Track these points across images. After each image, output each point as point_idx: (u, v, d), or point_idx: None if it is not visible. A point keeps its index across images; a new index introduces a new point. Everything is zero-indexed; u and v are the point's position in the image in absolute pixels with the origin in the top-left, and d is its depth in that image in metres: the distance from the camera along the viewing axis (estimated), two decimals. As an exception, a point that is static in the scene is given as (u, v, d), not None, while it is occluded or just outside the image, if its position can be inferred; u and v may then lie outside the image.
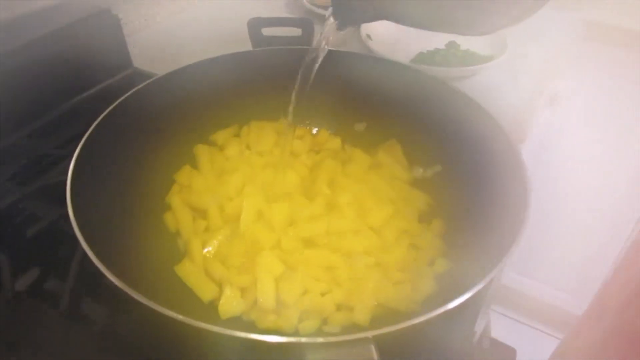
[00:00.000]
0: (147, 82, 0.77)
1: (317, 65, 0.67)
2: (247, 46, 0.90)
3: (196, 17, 1.41)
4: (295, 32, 0.91)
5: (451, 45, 1.17)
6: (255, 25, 0.89)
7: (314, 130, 0.89)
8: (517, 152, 0.64)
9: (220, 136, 0.82)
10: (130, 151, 0.72)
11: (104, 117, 0.68)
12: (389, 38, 1.24)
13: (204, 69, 0.81)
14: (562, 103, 1.50)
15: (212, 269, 0.64)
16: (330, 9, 0.62)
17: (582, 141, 1.57)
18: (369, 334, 0.45)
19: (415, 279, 0.63)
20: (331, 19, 0.62)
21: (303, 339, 0.45)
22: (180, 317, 0.45)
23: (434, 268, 0.65)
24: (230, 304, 0.59)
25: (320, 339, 0.44)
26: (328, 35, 0.64)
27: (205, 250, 0.66)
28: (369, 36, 1.22)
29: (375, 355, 0.44)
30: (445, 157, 0.77)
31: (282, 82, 0.86)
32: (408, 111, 0.81)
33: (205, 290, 0.61)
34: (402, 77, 0.82)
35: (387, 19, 0.58)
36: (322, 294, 0.61)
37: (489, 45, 1.17)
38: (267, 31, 0.90)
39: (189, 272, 0.63)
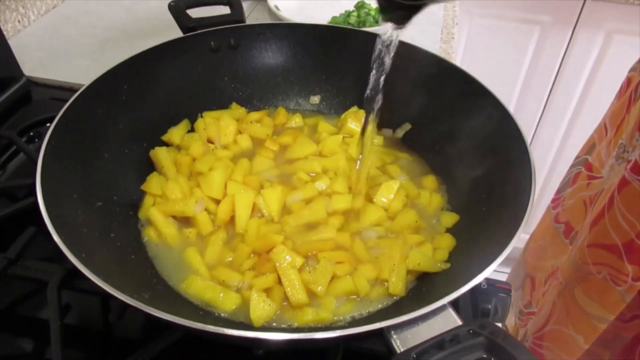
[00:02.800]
0: (77, 94, 0.65)
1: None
2: (174, 34, 0.82)
3: (77, 9, 1.24)
4: (224, 9, 0.84)
5: (361, 5, 1.18)
6: (179, 8, 0.81)
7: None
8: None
9: (175, 135, 0.74)
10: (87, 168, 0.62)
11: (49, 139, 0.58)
12: (296, 6, 1.22)
13: (136, 66, 0.72)
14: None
15: (226, 277, 0.59)
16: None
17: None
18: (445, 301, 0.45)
19: (432, 237, 0.64)
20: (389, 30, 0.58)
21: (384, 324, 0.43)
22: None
23: (443, 222, 0.66)
24: (262, 309, 0.54)
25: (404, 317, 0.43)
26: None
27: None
28: (277, 7, 1.18)
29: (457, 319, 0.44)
30: (413, 115, 0.78)
31: (224, 65, 0.81)
32: (363, 77, 0.80)
33: (226, 301, 0.56)
34: (351, 42, 0.81)
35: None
36: (351, 274, 0.59)
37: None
38: (193, 13, 0.82)
39: (201, 287, 0.57)
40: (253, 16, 1.26)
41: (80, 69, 1.04)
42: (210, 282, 0.58)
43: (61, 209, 0.52)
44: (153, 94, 0.75)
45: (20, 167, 0.81)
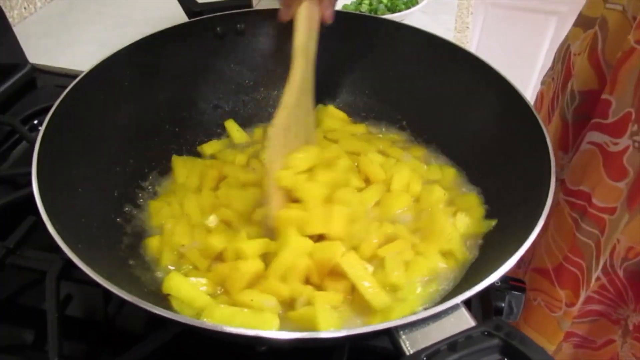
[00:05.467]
0: (76, 80, 0.63)
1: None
2: (181, 19, 0.80)
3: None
4: (231, -7, 0.81)
5: (372, -7, 1.15)
6: (184, -8, 0.79)
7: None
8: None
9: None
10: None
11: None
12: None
13: (139, 51, 0.70)
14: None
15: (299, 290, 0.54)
16: None
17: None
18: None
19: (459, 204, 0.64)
20: None
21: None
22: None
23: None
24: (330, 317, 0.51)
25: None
26: None
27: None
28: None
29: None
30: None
31: (230, 51, 0.79)
32: (374, 64, 0.78)
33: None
34: (363, 29, 0.78)
35: None
36: (419, 254, 0.58)
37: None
38: (199, -2, 0.80)
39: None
40: (261, 3, 1.24)
41: (86, 56, 1.03)
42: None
43: (58, 198, 0.51)
44: (156, 81, 0.73)
45: (23, 155, 0.80)
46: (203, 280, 0.56)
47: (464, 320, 0.41)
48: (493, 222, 0.60)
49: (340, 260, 0.54)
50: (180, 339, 0.53)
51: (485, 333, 0.38)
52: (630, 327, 0.71)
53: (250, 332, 0.41)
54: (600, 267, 0.70)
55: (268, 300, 0.53)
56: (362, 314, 0.54)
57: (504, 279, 0.72)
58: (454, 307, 0.42)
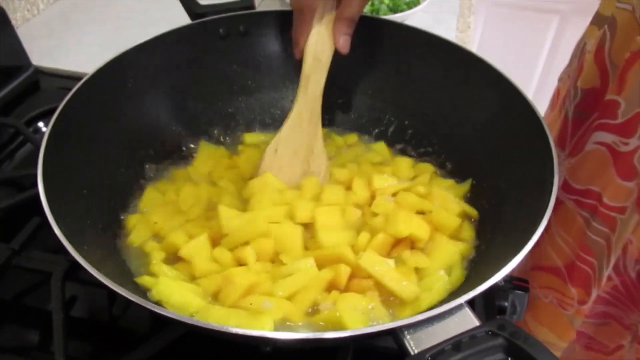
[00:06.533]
0: (81, 82, 0.63)
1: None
2: (184, 21, 0.80)
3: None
4: (232, -5, 0.82)
5: (375, -6, 1.15)
6: (187, -6, 0.79)
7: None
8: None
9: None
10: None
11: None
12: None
13: (142, 54, 0.70)
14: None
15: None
16: None
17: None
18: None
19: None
20: None
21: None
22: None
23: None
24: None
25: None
26: None
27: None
28: (288, -5, 1.16)
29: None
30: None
31: (233, 53, 0.79)
32: (376, 66, 0.78)
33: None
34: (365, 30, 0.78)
35: None
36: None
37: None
38: (202, 0, 0.80)
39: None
40: (263, 3, 1.24)
41: (89, 58, 1.03)
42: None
43: (63, 200, 0.51)
44: (160, 83, 0.73)
45: (27, 156, 0.80)
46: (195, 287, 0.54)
47: (468, 320, 0.42)
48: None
49: (360, 262, 0.55)
50: (185, 339, 0.53)
51: (490, 333, 0.39)
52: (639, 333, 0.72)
53: (255, 333, 0.41)
54: (611, 265, 0.71)
55: (267, 301, 0.51)
56: (391, 307, 0.54)
57: (508, 278, 0.72)
58: (458, 307, 0.42)
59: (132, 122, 0.69)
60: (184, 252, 0.57)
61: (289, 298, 0.53)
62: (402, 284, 0.54)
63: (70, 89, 0.61)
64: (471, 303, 0.44)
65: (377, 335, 0.42)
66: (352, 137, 0.78)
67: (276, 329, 0.49)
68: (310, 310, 0.53)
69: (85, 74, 0.64)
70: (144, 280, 0.53)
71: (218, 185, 0.68)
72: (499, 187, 0.62)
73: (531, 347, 0.37)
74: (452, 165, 0.72)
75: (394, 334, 0.41)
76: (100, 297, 0.61)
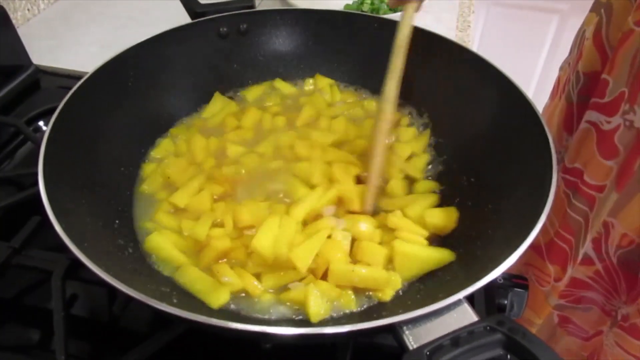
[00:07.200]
0: (81, 81, 0.63)
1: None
2: (185, 20, 0.80)
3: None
4: (233, -6, 0.82)
5: (373, -8, 1.15)
6: (187, -7, 0.79)
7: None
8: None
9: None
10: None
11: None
12: (308, -7, 1.20)
13: (143, 52, 0.70)
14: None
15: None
16: None
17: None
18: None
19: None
20: None
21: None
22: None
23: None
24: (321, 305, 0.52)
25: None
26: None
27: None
28: (288, -6, 1.16)
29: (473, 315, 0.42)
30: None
31: (233, 52, 0.80)
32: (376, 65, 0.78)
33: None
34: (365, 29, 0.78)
35: None
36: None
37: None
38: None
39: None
40: (263, 3, 1.24)
41: (89, 57, 1.03)
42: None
43: (64, 198, 0.51)
44: (160, 82, 0.73)
45: (27, 155, 0.80)
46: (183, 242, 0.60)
47: (467, 316, 0.42)
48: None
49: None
50: (185, 337, 0.53)
51: (488, 328, 0.39)
52: (619, 318, 0.72)
53: (255, 328, 0.41)
54: (587, 243, 0.72)
55: (229, 277, 0.55)
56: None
57: (507, 276, 0.72)
58: (457, 303, 0.42)
59: (132, 121, 0.69)
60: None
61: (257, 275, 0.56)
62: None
63: (70, 88, 0.61)
64: (471, 301, 0.44)
65: (376, 331, 0.42)
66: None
67: (232, 300, 0.53)
68: (280, 287, 0.55)
69: (85, 73, 0.64)
70: (146, 224, 0.61)
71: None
72: (498, 184, 0.62)
73: (529, 342, 0.37)
74: (453, 162, 0.72)
75: (393, 330, 0.41)
76: (101, 295, 0.61)
